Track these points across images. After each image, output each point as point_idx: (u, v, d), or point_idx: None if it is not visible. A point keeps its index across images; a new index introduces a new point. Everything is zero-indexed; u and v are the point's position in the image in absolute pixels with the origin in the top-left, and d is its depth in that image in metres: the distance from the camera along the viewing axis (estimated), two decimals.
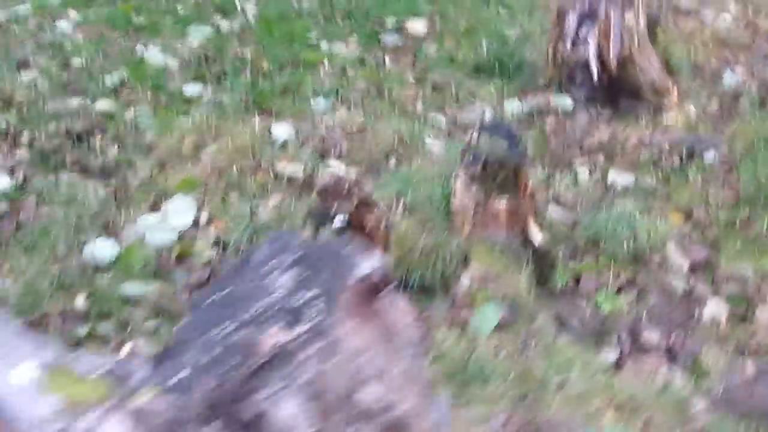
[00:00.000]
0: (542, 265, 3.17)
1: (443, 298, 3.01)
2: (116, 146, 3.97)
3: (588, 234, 3.37)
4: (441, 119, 4.21)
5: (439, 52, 4.83)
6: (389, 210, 3.19)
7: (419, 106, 4.31)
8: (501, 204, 3.07)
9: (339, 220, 2.95)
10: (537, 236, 3.14)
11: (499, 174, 3.06)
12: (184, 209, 3.54)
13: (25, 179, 3.72)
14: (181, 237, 3.42)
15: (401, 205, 3.23)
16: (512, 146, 3.09)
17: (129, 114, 4.17)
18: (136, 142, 4.00)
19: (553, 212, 3.48)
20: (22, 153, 3.88)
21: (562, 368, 2.66)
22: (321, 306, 1.52)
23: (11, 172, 3.74)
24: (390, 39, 4.97)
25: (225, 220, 3.47)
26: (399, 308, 1.64)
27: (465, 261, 3.06)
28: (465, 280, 3.00)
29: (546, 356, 2.73)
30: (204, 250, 3.34)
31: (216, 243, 3.39)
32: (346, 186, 3.00)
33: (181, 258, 3.33)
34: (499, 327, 2.84)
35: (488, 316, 2.73)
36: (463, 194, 3.08)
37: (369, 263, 1.58)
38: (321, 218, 3.01)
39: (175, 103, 4.28)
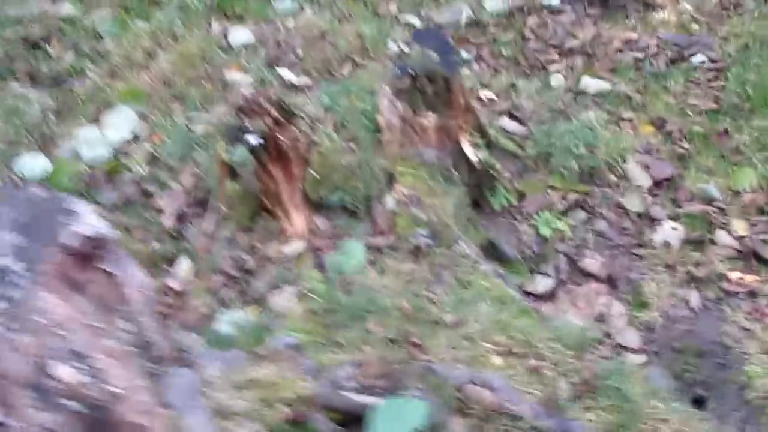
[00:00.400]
0: (480, 184, 2.94)
1: (366, 220, 2.83)
2: (72, 53, 3.83)
3: (540, 149, 3.10)
4: (414, 21, 3.92)
5: None
6: (316, 126, 2.98)
7: (393, 7, 4.01)
8: (429, 120, 2.83)
9: (253, 139, 2.77)
10: (473, 154, 2.90)
11: (429, 87, 2.81)
12: (123, 122, 3.40)
13: None
14: (117, 152, 3.30)
15: (330, 120, 3.01)
16: (445, 57, 2.83)
17: (91, 18, 4.01)
18: (93, 49, 3.85)
19: (507, 125, 3.21)
20: None
21: (469, 303, 2.45)
22: (18, 278, 1.35)
23: None
24: None
25: (162, 133, 3.32)
26: (127, 273, 1.47)
27: (390, 181, 2.85)
28: (388, 202, 2.80)
29: (457, 288, 2.53)
30: (136, 166, 3.22)
31: (151, 159, 3.26)
32: (264, 101, 2.80)
33: (113, 174, 3.21)
34: (416, 251, 2.65)
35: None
36: (388, 110, 2.85)
37: (87, 225, 1.39)
38: (235, 137, 2.83)
39: (141, 6, 4.09)
